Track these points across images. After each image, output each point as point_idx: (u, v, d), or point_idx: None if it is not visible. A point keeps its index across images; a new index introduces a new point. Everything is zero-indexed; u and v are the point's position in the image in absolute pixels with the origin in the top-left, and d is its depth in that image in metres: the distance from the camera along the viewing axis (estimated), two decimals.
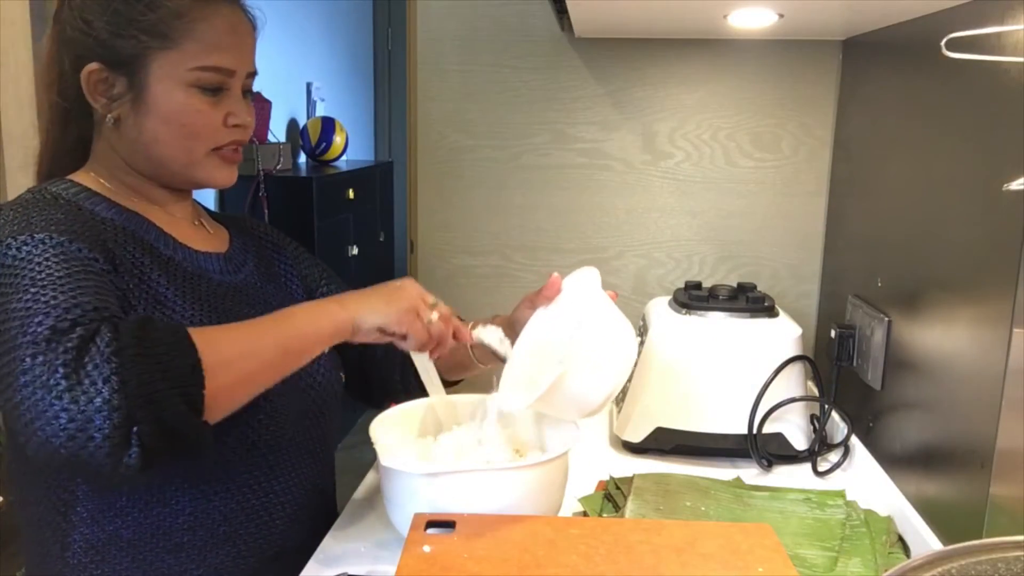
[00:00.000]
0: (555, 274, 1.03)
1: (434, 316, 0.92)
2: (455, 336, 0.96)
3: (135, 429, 0.69)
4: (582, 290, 1.01)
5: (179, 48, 0.88)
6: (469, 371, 1.15)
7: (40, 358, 0.70)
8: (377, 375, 1.17)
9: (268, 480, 0.94)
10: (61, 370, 0.69)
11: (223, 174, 0.95)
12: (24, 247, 0.79)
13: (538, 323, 1.03)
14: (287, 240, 1.15)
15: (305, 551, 0.96)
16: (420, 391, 1.07)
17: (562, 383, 0.90)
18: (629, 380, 1.31)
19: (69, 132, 0.95)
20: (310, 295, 1.12)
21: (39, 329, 0.71)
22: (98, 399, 0.68)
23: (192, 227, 1.01)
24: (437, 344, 0.94)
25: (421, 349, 0.94)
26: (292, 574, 0.92)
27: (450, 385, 1.15)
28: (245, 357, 0.79)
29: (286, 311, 0.86)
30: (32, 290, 0.75)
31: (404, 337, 0.90)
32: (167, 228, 0.96)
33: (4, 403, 0.71)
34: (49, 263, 0.78)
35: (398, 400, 1.13)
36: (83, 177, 0.94)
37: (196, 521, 0.89)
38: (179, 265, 0.93)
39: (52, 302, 0.74)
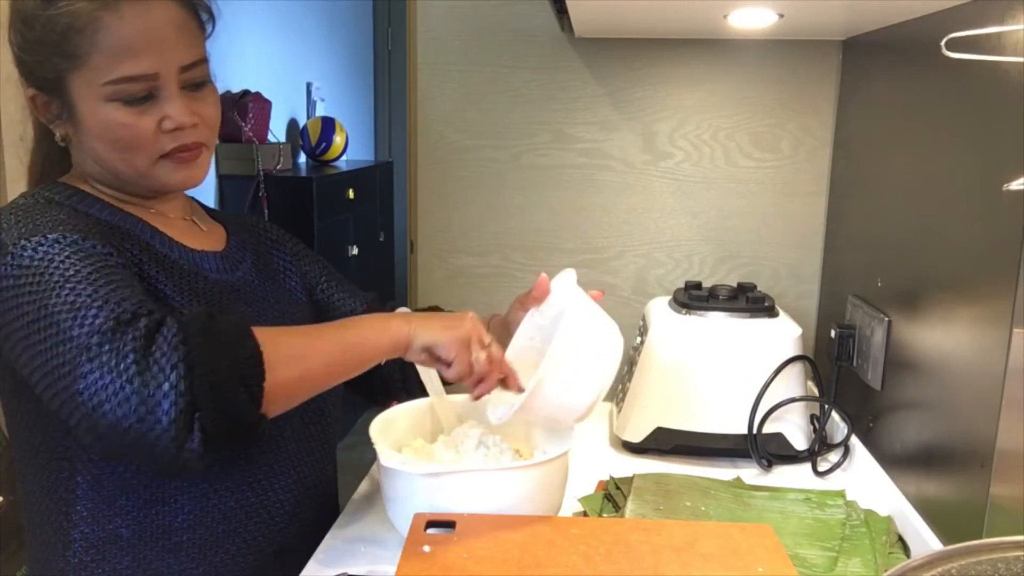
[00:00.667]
0: (542, 275, 1.02)
1: (482, 356, 0.90)
2: (503, 382, 0.94)
3: (197, 415, 0.72)
4: (561, 293, 1.00)
5: (88, 64, 0.84)
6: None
7: (107, 346, 0.71)
8: (379, 374, 1.17)
9: (268, 478, 0.94)
10: (131, 355, 0.71)
11: (179, 177, 0.91)
12: (40, 247, 0.79)
13: (524, 329, 1.03)
14: (287, 237, 1.15)
15: (306, 549, 0.96)
16: (421, 391, 1.07)
17: (541, 391, 0.89)
18: (628, 380, 1.31)
19: (53, 144, 0.94)
20: (310, 292, 1.12)
21: (98, 321, 0.73)
22: (166, 384, 0.71)
23: (186, 225, 1.00)
24: (479, 381, 0.92)
25: (459, 380, 0.92)
26: (293, 572, 0.92)
27: (450, 385, 1.15)
28: (306, 356, 0.82)
29: (352, 319, 0.89)
30: (68, 286, 0.76)
31: (449, 364, 0.90)
32: (161, 227, 0.95)
33: (60, 392, 0.72)
34: (72, 261, 0.78)
35: (399, 399, 1.13)
36: (74, 180, 0.93)
37: (196, 520, 0.89)
38: (175, 263, 0.93)
39: (97, 296, 0.75)
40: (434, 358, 0.89)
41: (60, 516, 0.87)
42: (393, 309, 1.11)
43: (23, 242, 0.79)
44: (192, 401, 0.71)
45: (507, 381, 0.94)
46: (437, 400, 1.06)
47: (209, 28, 0.97)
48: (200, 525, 0.89)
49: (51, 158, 0.96)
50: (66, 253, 0.79)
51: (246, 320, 0.79)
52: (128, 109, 0.86)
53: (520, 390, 0.93)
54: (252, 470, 0.92)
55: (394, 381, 1.15)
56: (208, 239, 1.01)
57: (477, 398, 0.93)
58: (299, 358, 0.81)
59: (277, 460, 0.95)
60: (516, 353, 1.00)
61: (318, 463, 1.02)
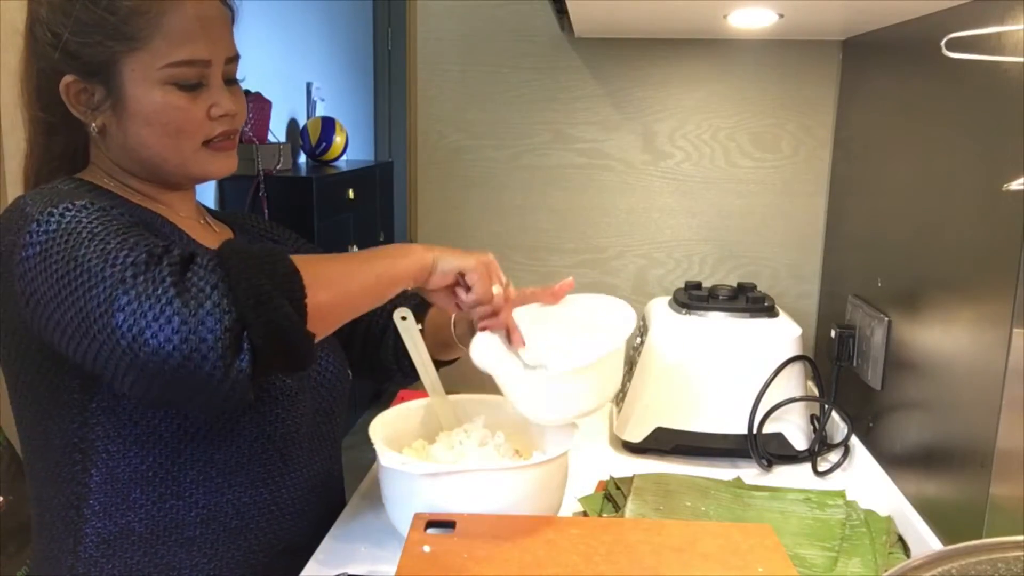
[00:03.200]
0: (571, 278, 1.04)
1: (498, 288, 0.93)
2: (507, 327, 0.96)
3: (246, 332, 0.71)
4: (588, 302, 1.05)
5: (147, 47, 0.86)
6: (451, 352, 1.15)
7: (141, 277, 0.70)
8: (378, 357, 1.18)
9: (280, 475, 0.94)
10: (168, 279, 0.70)
11: (218, 165, 0.94)
12: (68, 212, 0.78)
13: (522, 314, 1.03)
14: (288, 234, 1.15)
15: (314, 546, 0.97)
16: (414, 374, 1.07)
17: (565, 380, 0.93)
18: (628, 380, 1.31)
19: (55, 143, 0.94)
20: None
21: (130, 259, 0.72)
22: (208, 303, 0.70)
23: (200, 226, 1.01)
24: (492, 314, 0.94)
25: (476, 305, 0.93)
26: (300, 568, 0.93)
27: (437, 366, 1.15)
28: (340, 279, 0.82)
29: (376, 249, 0.90)
30: (99, 238, 0.75)
31: (469, 289, 0.92)
32: (181, 225, 0.96)
33: (97, 334, 0.71)
34: (101, 221, 0.78)
35: (394, 381, 1.15)
36: (92, 176, 0.93)
37: (209, 515, 0.89)
38: None
39: (126, 243, 0.74)
40: (456, 282, 0.92)
41: (71, 511, 0.87)
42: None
43: (50, 209, 0.78)
44: (238, 316, 0.70)
45: (511, 331, 0.96)
46: (437, 400, 1.06)
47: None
48: (213, 520, 0.90)
49: (49, 165, 0.95)
50: (94, 216, 0.78)
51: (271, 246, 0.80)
52: (181, 94, 0.88)
53: (522, 343, 0.97)
54: (266, 465, 0.93)
55: (390, 364, 1.16)
56: (221, 239, 1.01)
57: (483, 329, 0.95)
58: (334, 281, 0.81)
59: (289, 458, 0.95)
60: (488, 356, 1.00)
61: (327, 461, 1.03)
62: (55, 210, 0.78)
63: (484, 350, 0.97)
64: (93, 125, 0.89)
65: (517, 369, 0.98)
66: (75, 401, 0.85)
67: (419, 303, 1.16)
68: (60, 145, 0.94)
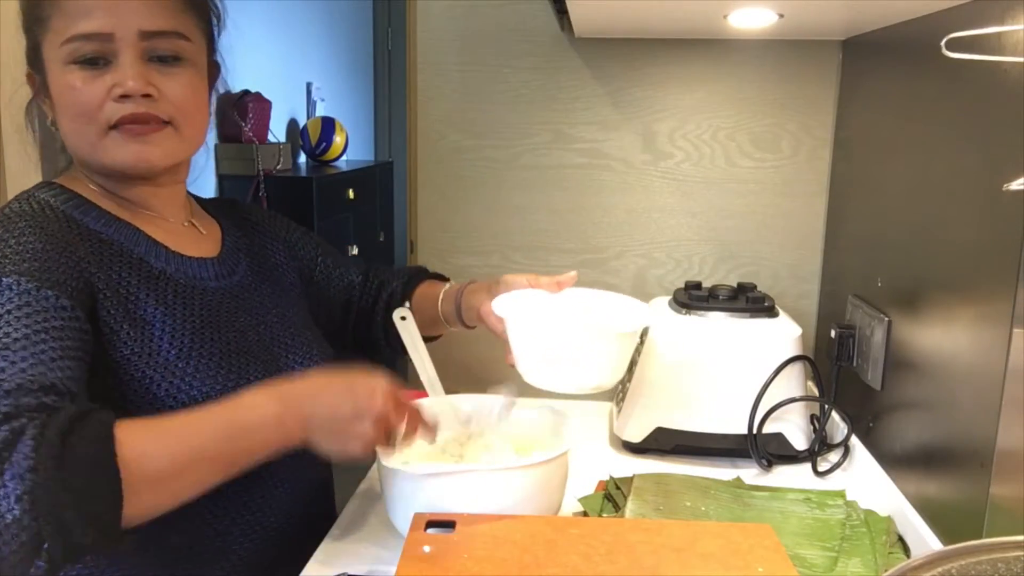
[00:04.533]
0: (574, 272, 1.06)
1: (401, 429, 0.84)
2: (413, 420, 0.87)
3: (45, 546, 0.64)
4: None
5: (53, 26, 0.82)
6: (436, 328, 1.16)
7: None
8: (369, 332, 1.17)
9: (263, 498, 0.92)
10: None
11: (129, 153, 0.85)
12: None
13: (525, 296, 1.05)
14: (279, 223, 1.12)
15: (302, 560, 0.94)
16: (404, 350, 1.04)
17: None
18: (628, 380, 1.31)
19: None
20: (308, 277, 1.12)
21: None
22: (9, 516, 0.63)
23: (183, 230, 0.97)
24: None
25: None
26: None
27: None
28: (178, 474, 0.73)
29: (246, 421, 0.77)
30: None
31: None
32: (158, 236, 0.92)
33: None
34: (10, 318, 0.72)
35: (383, 355, 1.14)
36: (73, 182, 0.90)
37: (191, 539, 0.87)
38: (170, 279, 0.90)
39: (3, 375, 0.69)
40: None
41: None
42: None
43: None
44: (37, 533, 0.64)
45: (424, 430, 0.88)
46: (437, 400, 1.06)
47: (207, 16, 0.94)
48: (196, 543, 0.88)
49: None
50: (11, 306, 0.73)
51: (108, 431, 0.69)
52: (82, 73, 0.82)
53: (432, 438, 0.90)
54: (248, 488, 0.90)
55: (379, 340, 1.16)
56: (206, 243, 0.99)
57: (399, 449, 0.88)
58: (169, 478, 0.72)
59: (272, 484, 0.93)
60: (508, 304, 1.02)
61: (316, 472, 1.01)
62: None
63: (507, 299, 0.99)
64: (50, 118, 0.86)
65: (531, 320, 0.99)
66: None
67: (407, 280, 1.18)
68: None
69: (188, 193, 1.02)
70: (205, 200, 1.07)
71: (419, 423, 0.87)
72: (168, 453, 0.72)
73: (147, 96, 0.84)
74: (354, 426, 0.80)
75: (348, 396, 0.80)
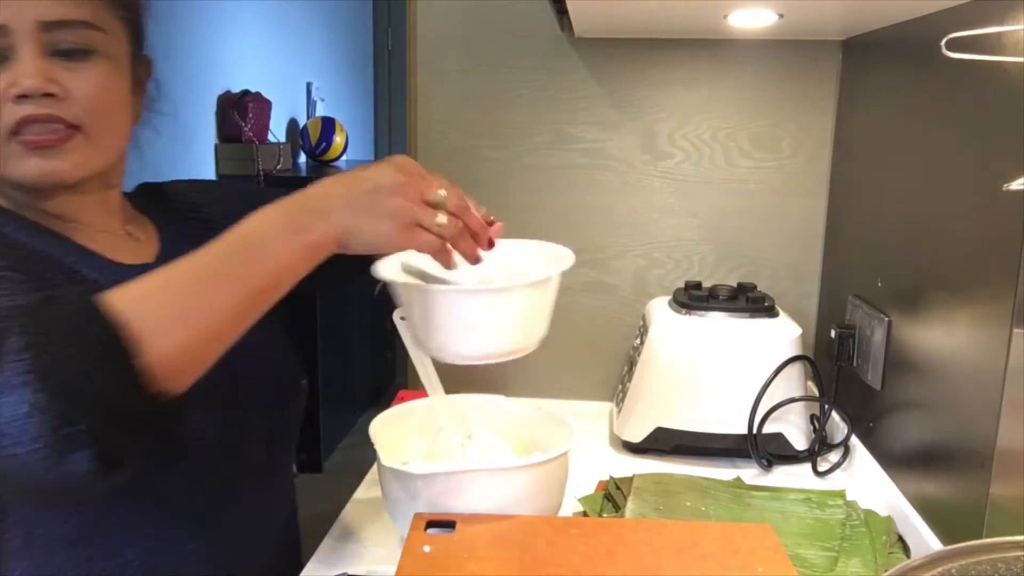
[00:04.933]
0: (499, 223, 0.91)
1: (441, 219, 0.72)
2: (475, 238, 0.76)
3: (83, 428, 0.57)
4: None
5: None
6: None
7: None
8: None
9: (226, 519, 0.85)
10: None
11: (31, 166, 0.74)
12: None
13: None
14: (213, 198, 0.98)
15: None
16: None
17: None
18: (628, 380, 1.31)
19: None
20: None
21: None
22: (23, 407, 0.56)
23: (118, 238, 0.85)
24: (451, 247, 0.74)
25: (434, 254, 0.75)
26: None
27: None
28: (195, 309, 0.63)
29: (249, 234, 0.66)
30: None
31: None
32: (91, 244, 0.81)
33: None
34: None
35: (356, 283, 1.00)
36: None
37: (146, 571, 0.78)
38: (104, 289, 0.79)
39: None
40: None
41: None
42: None
43: None
44: (61, 414, 0.57)
45: (477, 236, 0.77)
46: (437, 400, 1.06)
47: (130, 3, 0.82)
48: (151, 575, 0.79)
49: None
50: None
51: (83, 295, 0.61)
52: None
53: (491, 244, 0.79)
54: (206, 515, 0.83)
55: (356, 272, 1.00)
56: (143, 248, 0.87)
57: (455, 265, 0.77)
58: (185, 315, 0.63)
59: (235, 499, 0.86)
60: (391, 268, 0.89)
61: (279, 498, 0.94)
62: None
63: (391, 261, 0.84)
64: None
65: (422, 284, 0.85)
66: None
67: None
68: None
69: (126, 200, 0.90)
70: (132, 195, 0.93)
71: (456, 191, 0.75)
72: (175, 290, 0.63)
73: (49, 95, 0.72)
74: (380, 200, 0.69)
75: (360, 174, 0.71)
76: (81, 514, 0.74)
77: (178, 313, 0.63)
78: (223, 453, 0.80)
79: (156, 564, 0.78)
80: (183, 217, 0.94)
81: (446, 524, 0.87)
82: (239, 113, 2.95)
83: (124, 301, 0.61)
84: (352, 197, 0.69)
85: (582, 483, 1.13)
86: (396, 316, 1.02)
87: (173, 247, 0.86)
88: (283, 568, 0.95)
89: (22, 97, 0.71)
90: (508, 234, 1.56)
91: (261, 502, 0.89)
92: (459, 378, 1.07)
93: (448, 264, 0.76)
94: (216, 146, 3.00)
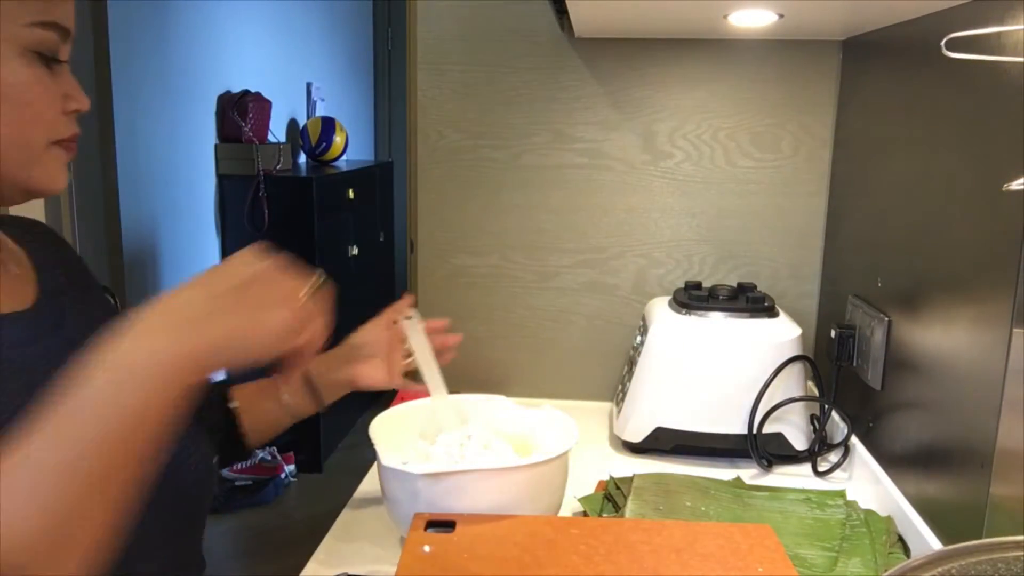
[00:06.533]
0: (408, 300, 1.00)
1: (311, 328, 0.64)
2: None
3: None
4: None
5: None
6: (271, 432, 0.97)
7: None
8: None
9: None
10: None
11: (61, 176, 0.70)
12: None
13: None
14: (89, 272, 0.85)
15: None
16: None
17: None
18: (628, 380, 1.31)
19: None
20: None
21: None
22: None
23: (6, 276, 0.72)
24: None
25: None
26: None
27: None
28: (53, 485, 0.49)
29: (114, 384, 0.53)
30: None
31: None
32: None
33: None
34: None
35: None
36: None
37: None
38: None
39: None
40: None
41: None
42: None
43: None
44: None
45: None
46: (439, 400, 1.06)
47: None
48: None
49: None
50: None
51: None
52: (40, 70, 0.66)
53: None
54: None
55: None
56: (19, 288, 0.73)
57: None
58: (30, 493, 0.48)
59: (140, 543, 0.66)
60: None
61: (185, 557, 0.82)
62: None
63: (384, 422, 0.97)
64: None
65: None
66: None
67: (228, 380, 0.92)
68: None
69: None
70: (5, 224, 0.79)
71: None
72: (33, 507, 0.48)
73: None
74: (260, 294, 0.60)
75: (220, 273, 0.61)
76: None
77: (23, 489, 0.48)
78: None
79: None
80: (66, 266, 0.80)
81: (446, 524, 0.87)
82: (239, 113, 2.95)
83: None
84: (216, 312, 0.58)
85: (582, 483, 1.13)
86: (401, 317, 1.02)
87: (53, 297, 0.75)
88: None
89: (75, 112, 0.69)
90: (508, 231, 1.56)
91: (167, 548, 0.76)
92: (460, 378, 1.07)
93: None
94: (216, 146, 3.00)
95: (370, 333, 1.04)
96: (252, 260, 0.62)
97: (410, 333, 1.02)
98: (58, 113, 0.68)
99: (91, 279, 0.83)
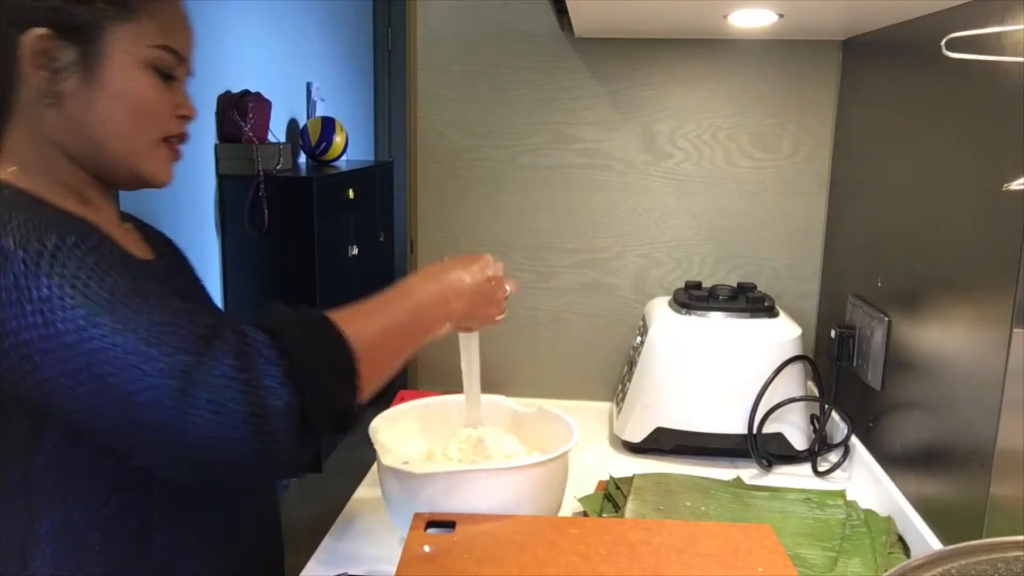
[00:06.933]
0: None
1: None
2: None
3: (311, 418, 0.71)
4: None
5: (139, 22, 0.81)
6: None
7: (199, 370, 0.67)
8: None
9: (243, 514, 0.90)
10: (230, 372, 0.67)
11: (166, 170, 0.87)
12: (60, 253, 0.70)
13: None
14: (169, 245, 1.04)
15: None
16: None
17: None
18: (628, 380, 1.31)
19: None
20: None
21: (175, 341, 0.67)
22: (279, 402, 0.68)
23: (123, 232, 0.91)
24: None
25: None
26: None
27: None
28: (383, 347, 0.82)
29: (421, 307, 0.88)
30: (122, 304, 0.68)
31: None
32: (113, 234, 0.84)
33: (144, 422, 0.67)
34: (110, 273, 0.70)
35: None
36: (9, 176, 0.81)
37: (171, 559, 0.82)
38: None
39: (160, 312, 0.69)
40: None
41: (14, 563, 0.77)
42: None
43: (38, 248, 0.69)
44: (304, 408, 0.70)
45: None
46: (437, 400, 1.06)
47: None
48: (176, 563, 0.83)
49: None
50: (98, 263, 0.71)
51: (326, 317, 0.77)
52: (155, 80, 0.84)
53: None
54: (219, 520, 0.87)
55: None
56: (143, 246, 0.94)
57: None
58: (380, 348, 0.81)
59: (252, 492, 0.91)
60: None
61: (272, 517, 0.97)
62: (44, 251, 0.69)
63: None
64: (51, 90, 0.79)
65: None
66: (24, 439, 0.75)
67: None
68: None
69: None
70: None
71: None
72: (374, 329, 0.81)
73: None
74: (493, 292, 0.95)
75: (479, 267, 0.94)
76: (118, 497, 0.79)
77: (375, 345, 0.80)
78: None
79: (180, 552, 0.83)
80: (159, 238, 1.02)
81: (446, 524, 0.87)
82: (239, 113, 2.95)
83: (351, 333, 0.77)
84: (476, 290, 0.93)
85: (582, 483, 1.13)
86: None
87: (164, 255, 0.96)
88: (275, 567, 0.98)
89: (184, 118, 0.88)
90: (508, 231, 1.56)
91: (263, 510, 0.94)
92: (460, 379, 1.07)
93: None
94: (216, 146, 3.00)
95: None
96: (492, 265, 0.95)
97: (464, 345, 1.02)
98: (169, 116, 0.86)
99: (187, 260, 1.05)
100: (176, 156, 0.89)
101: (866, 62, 1.34)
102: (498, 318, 0.97)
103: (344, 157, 3.61)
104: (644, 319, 1.38)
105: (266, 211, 2.94)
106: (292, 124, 3.66)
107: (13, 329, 0.68)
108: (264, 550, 0.94)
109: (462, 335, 1.01)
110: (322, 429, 0.73)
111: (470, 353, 1.02)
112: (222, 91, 3.06)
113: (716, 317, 1.28)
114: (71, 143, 0.82)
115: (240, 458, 0.68)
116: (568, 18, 1.32)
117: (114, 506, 0.79)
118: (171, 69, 0.85)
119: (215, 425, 0.67)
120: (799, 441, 1.24)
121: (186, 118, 0.88)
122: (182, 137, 0.88)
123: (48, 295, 0.68)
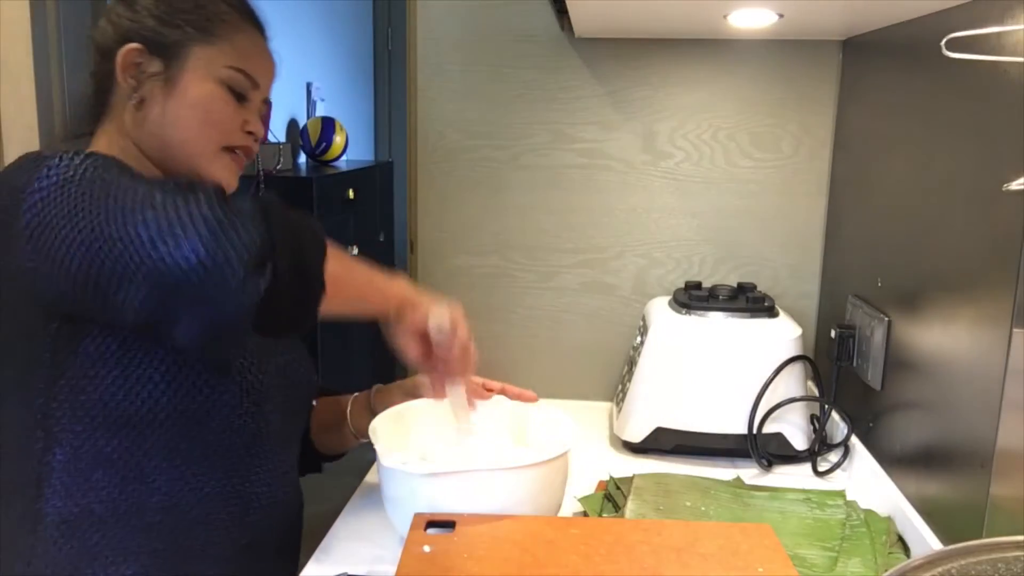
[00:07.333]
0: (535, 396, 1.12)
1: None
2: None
3: (274, 264, 0.75)
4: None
5: (218, 46, 0.95)
6: (342, 445, 1.16)
7: (174, 197, 0.75)
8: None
9: (246, 469, 0.94)
10: (203, 196, 0.75)
11: (226, 176, 0.97)
12: (89, 158, 0.82)
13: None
14: None
15: (276, 544, 0.97)
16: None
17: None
18: (628, 380, 1.31)
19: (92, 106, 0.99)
20: None
21: (161, 184, 0.77)
22: (245, 217, 0.75)
23: None
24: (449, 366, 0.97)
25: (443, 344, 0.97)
26: (261, 565, 0.94)
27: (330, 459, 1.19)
28: (346, 264, 0.90)
29: (380, 285, 0.95)
30: (127, 173, 0.81)
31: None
32: None
33: (115, 242, 0.74)
34: (126, 172, 0.82)
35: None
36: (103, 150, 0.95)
37: (171, 502, 0.89)
38: None
39: (157, 179, 0.80)
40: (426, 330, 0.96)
41: (31, 490, 0.87)
42: None
43: (72, 155, 0.81)
44: (270, 236, 0.75)
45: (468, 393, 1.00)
46: (436, 400, 1.06)
47: None
48: (174, 508, 0.89)
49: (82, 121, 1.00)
50: (120, 167, 0.82)
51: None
52: (228, 95, 0.96)
53: (472, 407, 1.01)
54: (230, 459, 0.93)
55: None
56: None
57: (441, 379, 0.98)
58: (342, 262, 0.88)
59: (256, 453, 0.95)
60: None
61: (292, 459, 1.03)
62: (76, 154, 0.82)
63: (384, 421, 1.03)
64: (135, 95, 0.93)
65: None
66: (42, 377, 0.85)
67: (322, 387, 1.18)
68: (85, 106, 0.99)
69: None
70: None
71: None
72: (347, 272, 0.90)
73: (257, 143, 1.02)
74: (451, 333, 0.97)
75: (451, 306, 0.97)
76: (122, 438, 0.87)
77: (339, 258, 0.87)
78: (247, 415, 0.93)
79: (181, 494, 0.90)
80: None
81: (446, 524, 0.87)
82: None
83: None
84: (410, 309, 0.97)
85: (582, 483, 1.13)
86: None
87: None
88: (292, 517, 1.02)
89: (250, 134, 0.99)
90: (508, 231, 1.56)
91: (274, 461, 0.98)
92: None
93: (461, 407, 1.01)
94: None
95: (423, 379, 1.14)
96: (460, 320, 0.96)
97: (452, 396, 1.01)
98: (235, 128, 0.97)
99: None
100: (239, 166, 1.00)
101: (866, 62, 1.34)
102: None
103: (344, 157, 3.61)
104: (644, 319, 1.38)
105: None
106: (292, 124, 3.66)
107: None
108: (277, 502, 0.98)
109: (449, 389, 1.00)
110: (282, 275, 0.76)
111: (460, 402, 1.01)
112: None
113: (716, 317, 1.28)
114: (146, 141, 0.95)
115: (196, 268, 0.72)
116: (568, 18, 1.32)
117: (115, 446, 0.87)
118: (244, 90, 0.97)
119: (177, 235, 0.73)
120: (799, 441, 1.24)
121: (253, 135, 0.99)
122: (247, 150, 0.99)
123: (69, 170, 0.80)
